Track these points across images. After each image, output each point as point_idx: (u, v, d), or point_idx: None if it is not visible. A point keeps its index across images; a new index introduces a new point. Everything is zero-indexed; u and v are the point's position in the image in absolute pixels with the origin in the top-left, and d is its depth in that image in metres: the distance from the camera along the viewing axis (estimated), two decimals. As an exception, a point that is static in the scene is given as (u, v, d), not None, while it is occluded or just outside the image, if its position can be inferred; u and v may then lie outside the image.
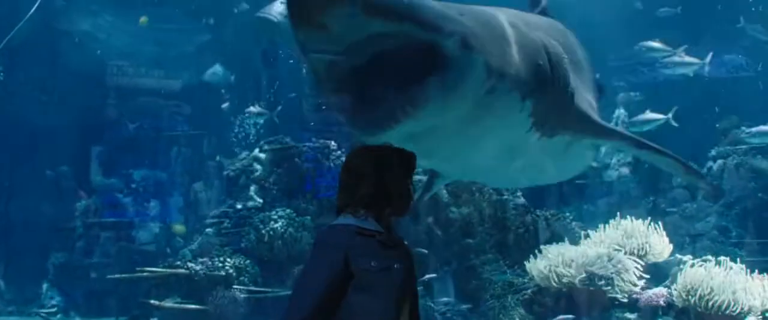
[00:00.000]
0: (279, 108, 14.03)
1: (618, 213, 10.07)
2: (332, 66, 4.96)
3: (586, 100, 6.64)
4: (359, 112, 5.01)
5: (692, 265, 8.63)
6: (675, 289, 8.55)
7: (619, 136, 6.87)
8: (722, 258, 8.57)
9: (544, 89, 5.88)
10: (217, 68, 16.28)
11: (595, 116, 6.58)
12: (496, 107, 5.54)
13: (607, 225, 9.92)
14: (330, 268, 3.39)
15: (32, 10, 14.81)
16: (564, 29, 7.14)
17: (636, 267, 9.03)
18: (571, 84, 6.26)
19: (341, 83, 5.00)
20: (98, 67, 16.46)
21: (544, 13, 7.70)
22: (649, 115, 12.46)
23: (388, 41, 4.89)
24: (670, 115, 12.24)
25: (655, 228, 9.59)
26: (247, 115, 14.74)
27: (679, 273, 8.64)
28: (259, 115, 14.29)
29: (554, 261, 9.15)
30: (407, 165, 3.67)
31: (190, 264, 11.36)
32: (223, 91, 16.73)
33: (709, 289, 8.14)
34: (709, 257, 8.56)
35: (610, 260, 8.94)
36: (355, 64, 4.90)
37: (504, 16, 5.91)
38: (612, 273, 8.82)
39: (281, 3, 11.98)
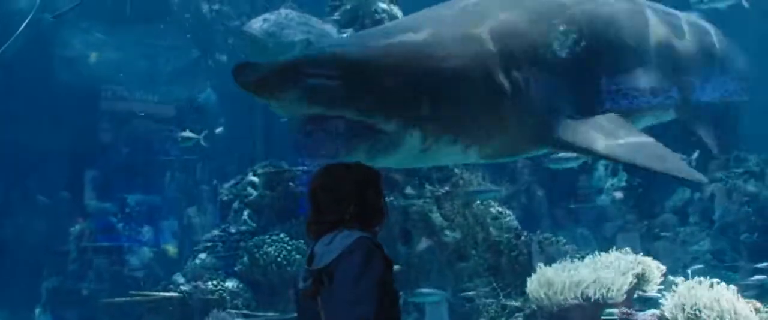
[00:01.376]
0: (205, 132, 14.27)
1: (611, 237, 10.11)
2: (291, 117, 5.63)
3: (554, 107, 6.45)
4: (306, 147, 5.69)
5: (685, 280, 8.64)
6: (667, 309, 8.54)
7: (589, 153, 6.75)
8: (715, 280, 8.57)
9: (493, 133, 6.07)
10: (210, 93, 16.31)
11: (558, 126, 6.36)
12: (435, 155, 5.95)
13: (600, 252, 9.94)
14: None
15: (21, 28, 14.84)
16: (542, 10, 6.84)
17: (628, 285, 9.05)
18: (535, 109, 6.22)
19: (299, 127, 5.58)
20: (89, 85, 16.44)
21: None
22: None
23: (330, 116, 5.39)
24: None
25: (648, 253, 9.63)
26: (180, 139, 14.93)
27: (671, 295, 8.64)
28: (188, 139, 14.48)
29: (548, 282, 9.15)
30: (380, 181, 3.83)
31: (183, 288, 11.34)
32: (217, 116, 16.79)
33: (700, 308, 8.13)
34: (702, 279, 8.54)
35: (603, 280, 8.94)
36: (307, 119, 5.46)
37: (469, 35, 6.02)
38: (605, 293, 8.82)
39: (265, 20, 11.92)
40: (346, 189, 3.72)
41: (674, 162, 6.66)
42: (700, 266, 10.75)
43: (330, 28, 12.15)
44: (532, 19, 6.48)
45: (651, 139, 6.66)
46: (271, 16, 11.89)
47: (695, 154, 11.75)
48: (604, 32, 7.02)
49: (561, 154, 10.83)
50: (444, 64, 5.79)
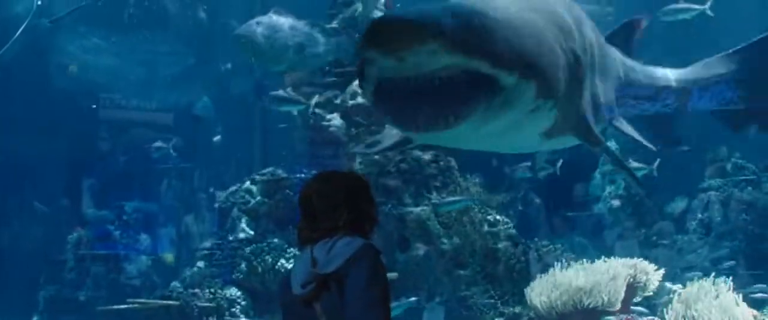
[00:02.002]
0: (174, 140, 14.31)
1: (609, 245, 10.13)
2: (391, 82, 5.35)
3: (594, 102, 7.07)
4: (411, 115, 5.40)
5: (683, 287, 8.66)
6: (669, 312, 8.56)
7: (604, 149, 7.36)
8: (713, 286, 8.59)
9: (570, 102, 6.46)
10: (206, 101, 16.33)
11: (594, 125, 6.97)
12: (528, 122, 6.16)
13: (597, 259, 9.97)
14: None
15: (18, 33, 14.84)
16: (582, 18, 7.40)
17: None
18: (588, 90, 6.82)
19: (395, 94, 5.38)
20: (86, 90, 16.46)
21: None
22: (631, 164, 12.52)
23: (454, 70, 5.28)
24: (654, 166, 12.26)
25: (646, 260, 9.64)
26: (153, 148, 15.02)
27: (670, 302, 8.65)
28: (159, 149, 14.57)
29: (546, 288, 9.17)
30: (370, 188, 3.94)
31: (181, 296, 11.33)
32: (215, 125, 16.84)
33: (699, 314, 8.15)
34: (701, 283, 8.55)
35: (600, 286, 8.96)
36: (416, 81, 5.27)
37: (554, 18, 6.44)
38: (604, 298, 8.84)
39: (258, 23, 11.91)
40: (341, 195, 3.80)
41: None
42: (698, 273, 10.73)
43: (316, 33, 12.20)
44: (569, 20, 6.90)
45: None
46: (264, 20, 11.89)
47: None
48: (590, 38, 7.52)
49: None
50: (551, 34, 6.16)
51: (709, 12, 12.15)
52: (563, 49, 6.24)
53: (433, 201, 10.84)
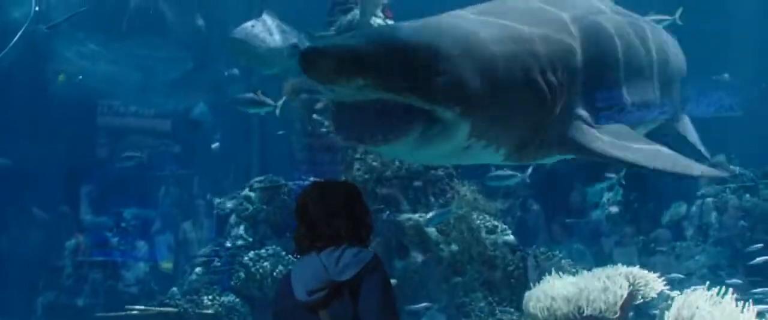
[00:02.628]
0: (146, 151, 14.32)
1: (607, 251, 10.12)
2: (338, 104, 5.49)
3: (577, 115, 6.65)
4: (348, 129, 5.46)
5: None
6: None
7: (605, 158, 6.73)
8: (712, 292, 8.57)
9: (523, 137, 6.24)
10: (203, 107, 16.32)
11: (580, 133, 6.55)
12: (468, 154, 6.04)
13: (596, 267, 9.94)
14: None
15: (15, 39, 14.83)
16: (596, 12, 7.19)
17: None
18: (560, 116, 6.37)
19: (344, 113, 5.45)
20: (83, 96, 16.43)
21: None
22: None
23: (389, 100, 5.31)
24: (621, 175, 12.29)
25: (644, 267, 9.61)
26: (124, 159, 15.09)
27: (667, 309, 8.63)
28: (130, 158, 14.62)
29: (544, 296, 9.15)
30: (362, 197, 4.08)
31: (179, 303, 11.33)
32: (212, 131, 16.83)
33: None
34: (699, 289, 8.54)
35: (598, 294, 8.94)
36: (358, 104, 5.35)
37: (511, 41, 6.07)
38: (601, 306, 8.82)
39: (253, 26, 11.90)
40: (338, 205, 3.93)
41: (690, 163, 6.75)
42: (696, 280, 10.73)
43: (304, 38, 12.25)
44: (554, 28, 6.60)
45: (661, 146, 6.78)
46: (257, 23, 11.91)
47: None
48: (611, 45, 7.16)
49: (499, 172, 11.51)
50: (502, 62, 5.88)
51: (678, 21, 12.24)
52: (523, 78, 5.98)
53: (421, 219, 10.78)
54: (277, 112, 12.20)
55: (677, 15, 12.19)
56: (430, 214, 10.68)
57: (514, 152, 6.31)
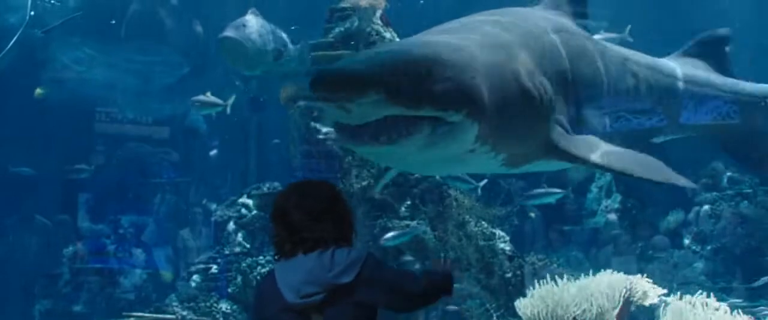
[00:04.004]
0: (94, 166, 14.30)
1: (605, 259, 10.11)
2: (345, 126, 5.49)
3: (564, 124, 6.89)
4: (352, 132, 5.45)
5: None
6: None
7: (584, 162, 6.92)
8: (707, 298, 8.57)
9: (521, 141, 6.44)
10: (197, 114, 16.30)
11: (571, 145, 6.75)
12: (470, 158, 6.13)
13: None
14: None
15: (11, 44, 14.83)
16: (565, 31, 7.36)
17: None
18: (551, 121, 6.61)
19: (351, 129, 5.46)
20: (79, 101, 16.41)
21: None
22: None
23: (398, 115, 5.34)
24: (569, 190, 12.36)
25: (642, 274, 9.60)
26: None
27: (663, 316, 8.63)
28: (81, 171, 14.61)
29: (540, 302, 9.14)
30: (343, 196, 4.12)
31: (177, 310, 11.33)
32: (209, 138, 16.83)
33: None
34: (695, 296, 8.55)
35: (595, 300, 8.93)
36: (366, 122, 5.36)
37: (504, 53, 6.28)
38: (599, 312, 8.81)
39: (244, 26, 11.89)
40: (321, 207, 3.92)
41: (665, 171, 6.91)
42: (694, 287, 10.72)
43: (286, 37, 12.30)
44: (530, 38, 6.83)
45: (638, 153, 7.02)
46: (248, 23, 11.93)
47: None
48: (590, 59, 7.51)
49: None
50: (502, 69, 6.09)
51: (628, 38, 12.35)
52: (522, 84, 6.20)
53: (381, 240, 10.70)
54: (228, 110, 12.30)
55: (626, 32, 12.35)
56: (390, 234, 10.61)
57: (510, 158, 6.45)
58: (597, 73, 7.62)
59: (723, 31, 9.61)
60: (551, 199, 12.12)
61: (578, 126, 7.17)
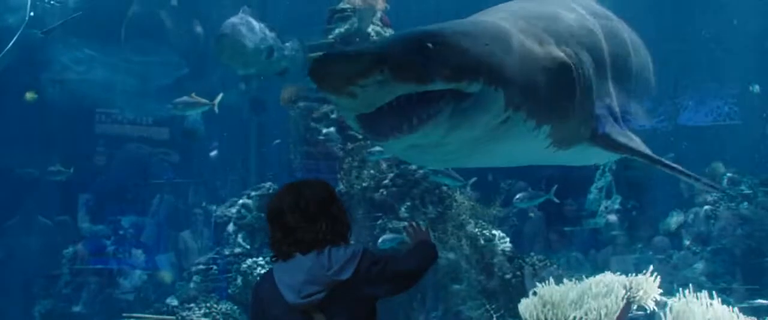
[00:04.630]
0: (72, 169, 14.31)
1: (605, 260, 10.11)
2: (359, 113, 5.22)
3: (608, 107, 6.76)
4: (374, 125, 5.17)
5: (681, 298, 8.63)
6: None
7: (630, 151, 6.78)
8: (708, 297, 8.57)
9: (562, 113, 6.09)
10: (195, 115, 16.27)
11: (612, 128, 6.65)
12: (510, 133, 5.72)
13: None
14: None
15: (10, 44, 14.83)
16: (592, 17, 7.14)
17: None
18: (591, 97, 6.41)
19: (367, 118, 5.22)
20: (78, 101, 16.41)
21: None
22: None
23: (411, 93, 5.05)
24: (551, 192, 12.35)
25: (643, 274, 9.60)
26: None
27: (663, 316, 8.62)
28: (57, 173, 14.62)
29: (540, 303, 9.14)
30: (337, 195, 4.11)
31: (177, 311, 11.33)
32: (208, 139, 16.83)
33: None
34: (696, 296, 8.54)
35: (595, 301, 8.93)
36: (380, 106, 5.08)
37: (528, 25, 6.05)
38: (599, 312, 8.81)
39: (240, 23, 11.89)
40: (315, 207, 3.92)
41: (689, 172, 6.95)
42: (695, 292, 10.72)
43: (275, 36, 12.30)
44: (563, 14, 6.68)
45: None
46: (242, 21, 11.92)
47: None
48: (626, 47, 7.36)
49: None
50: (517, 34, 5.84)
51: None
52: (545, 57, 5.93)
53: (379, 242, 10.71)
54: (216, 109, 12.29)
55: None
56: (386, 236, 10.60)
57: (555, 134, 6.13)
58: (629, 60, 7.45)
59: None
60: (535, 203, 12.15)
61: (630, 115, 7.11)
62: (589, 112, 6.40)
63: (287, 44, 12.69)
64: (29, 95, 15.26)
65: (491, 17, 6.15)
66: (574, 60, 6.15)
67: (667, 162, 6.76)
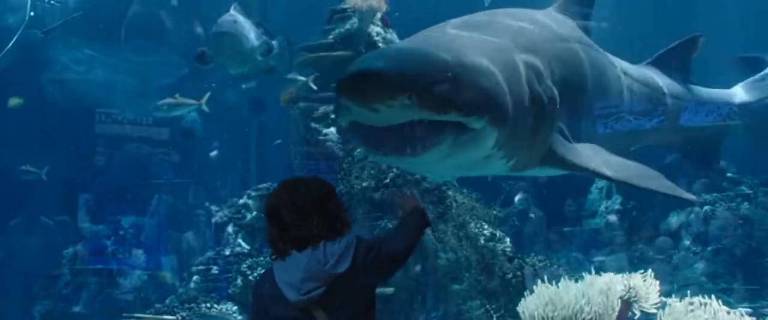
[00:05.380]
0: (46, 168, 14.38)
1: (605, 260, 10.10)
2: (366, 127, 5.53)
3: (561, 131, 6.99)
4: (379, 140, 5.51)
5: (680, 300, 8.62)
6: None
7: (581, 170, 7.04)
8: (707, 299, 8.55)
9: (529, 146, 6.54)
10: (194, 115, 16.23)
11: (569, 153, 6.86)
12: (484, 163, 6.29)
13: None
14: None
15: (10, 44, 14.82)
16: (571, 39, 7.52)
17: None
18: (553, 128, 6.74)
19: (374, 133, 5.54)
20: (78, 101, 16.39)
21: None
22: None
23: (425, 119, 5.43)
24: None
25: (642, 274, 9.58)
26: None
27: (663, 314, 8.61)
28: (29, 172, 14.69)
29: (540, 303, 9.13)
30: (336, 193, 4.13)
31: (177, 311, 11.32)
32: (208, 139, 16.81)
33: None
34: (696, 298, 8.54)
35: (595, 301, 8.92)
36: (389, 126, 5.45)
37: (526, 54, 6.45)
38: (598, 312, 8.79)
39: (235, 21, 11.85)
40: (309, 204, 3.93)
41: (663, 182, 7.14)
42: (696, 292, 10.72)
43: (262, 33, 12.29)
44: (550, 44, 7.08)
45: (638, 163, 7.26)
46: (237, 19, 11.88)
47: None
48: (582, 70, 7.59)
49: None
50: (518, 77, 6.19)
51: None
52: (533, 91, 6.29)
53: None
54: (204, 107, 12.27)
55: None
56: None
57: (518, 163, 6.60)
58: (608, 86, 7.92)
59: (693, 37, 9.61)
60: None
61: (586, 135, 7.39)
62: (545, 141, 6.70)
63: (273, 42, 12.67)
64: (14, 101, 15.20)
65: (496, 36, 6.45)
66: (548, 96, 6.49)
67: (619, 178, 7.02)
